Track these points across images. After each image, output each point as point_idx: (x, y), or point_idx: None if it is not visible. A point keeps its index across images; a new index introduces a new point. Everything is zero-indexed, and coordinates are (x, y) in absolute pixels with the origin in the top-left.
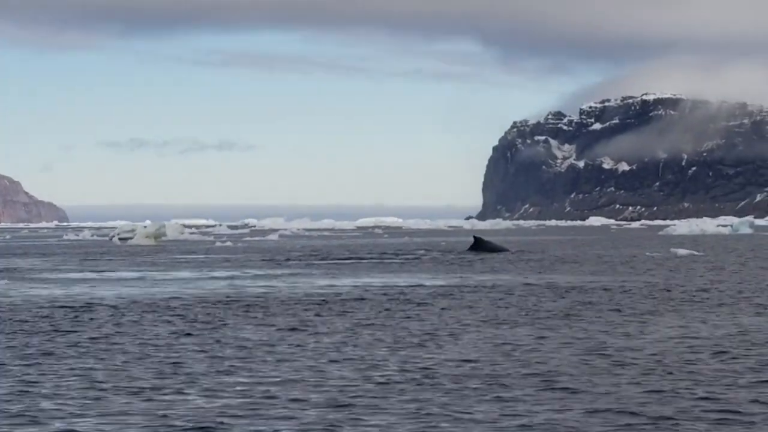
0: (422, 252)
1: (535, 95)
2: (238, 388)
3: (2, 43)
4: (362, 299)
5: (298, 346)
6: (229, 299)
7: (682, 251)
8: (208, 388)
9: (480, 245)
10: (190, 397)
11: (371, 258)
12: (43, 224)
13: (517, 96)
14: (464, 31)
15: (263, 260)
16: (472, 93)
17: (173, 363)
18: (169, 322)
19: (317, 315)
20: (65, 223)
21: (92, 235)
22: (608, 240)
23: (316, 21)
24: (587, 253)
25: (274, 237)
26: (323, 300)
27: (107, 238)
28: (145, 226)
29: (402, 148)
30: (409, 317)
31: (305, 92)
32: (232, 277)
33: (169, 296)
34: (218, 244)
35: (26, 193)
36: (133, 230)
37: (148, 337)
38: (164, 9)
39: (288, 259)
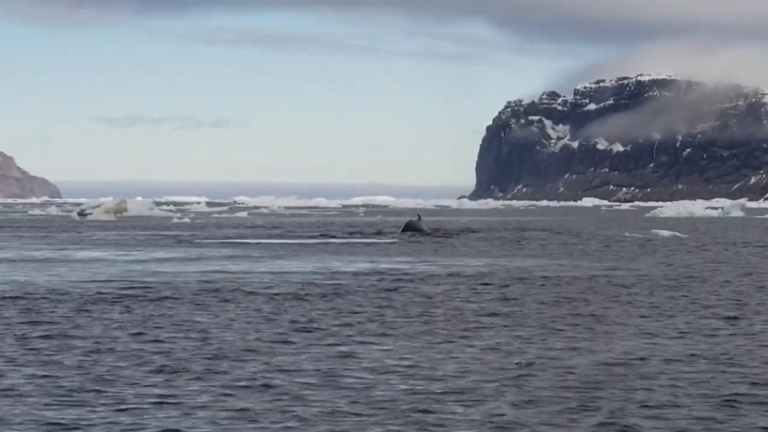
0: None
1: (530, 75)
2: None
3: (15, 20)
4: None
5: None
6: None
7: (664, 232)
8: None
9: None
10: None
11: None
12: (33, 199)
13: (514, 76)
14: (477, 14)
15: (182, 237)
16: (474, 73)
17: None
18: None
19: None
20: (57, 199)
21: (57, 211)
22: (587, 221)
23: (332, 1)
24: (541, 233)
25: (243, 214)
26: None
27: (68, 214)
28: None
29: (402, 128)
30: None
31: (310, 72)
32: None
33: None
34: (175, 220)
35: (19, 168)
36: (98, 206)
37: None
38: None
39: (206, 237)
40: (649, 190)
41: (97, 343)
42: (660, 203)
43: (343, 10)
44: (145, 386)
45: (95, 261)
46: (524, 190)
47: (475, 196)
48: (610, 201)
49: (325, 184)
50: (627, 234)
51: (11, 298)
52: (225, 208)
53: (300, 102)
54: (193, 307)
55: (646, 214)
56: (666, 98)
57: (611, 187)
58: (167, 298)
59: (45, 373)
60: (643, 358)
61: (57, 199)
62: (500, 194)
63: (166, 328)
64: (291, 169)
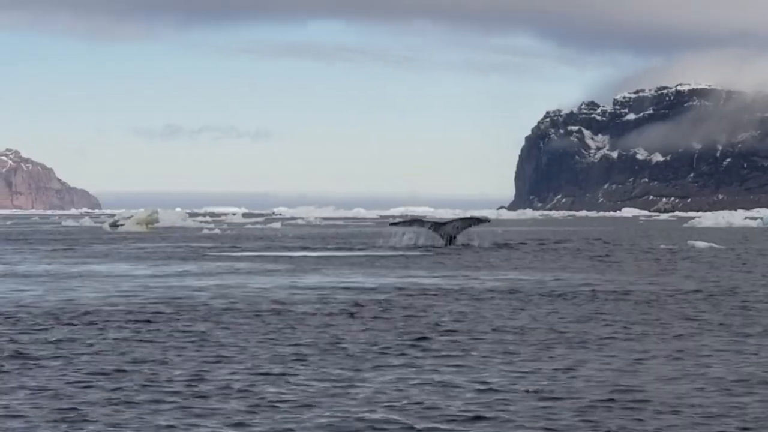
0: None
1: (569, 85)
2: None
3: (56, 33)
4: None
5: None
6: None
7: (700, 243)
8: None
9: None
10: None
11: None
12: (72, 210)
13: (553, 86)
14: (518, 25)
15: (187, 250)
16: (514, 84)
17: None
18: None
19: None
20: (97, 210)
21: (91, 222)
22: (623, 231)
23: (372, 12)
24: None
25: (277, 225)
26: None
27: (101, 225)
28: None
29: (442, 138)
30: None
31: (350, 82)
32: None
33: None
34: (205, 231)
35: (59, 180)
36: (131, 217)
37: None
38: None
39: (212, 247)
40: (689, 200)
41: (95, 363)
42: (700, 213)
43: (385, 22)
44: (139, 404)
45: (98, 275)
46: (563, 200)
47: (514, 206)
48: (649, 211)
49: (365, 195)
50: (662, 246)
51: (9, 315)
52: (260, 219)
53: (340, 112)
54: (180, 325)
55: (684, 225)
56: (706, 108)
57: (651, 197)
58: (158, 314)
59: (47, 392)
60: (672, 379)
61: (96, 211)
62: (539, 204)
63: (156, 344)
64: (331, 180)
